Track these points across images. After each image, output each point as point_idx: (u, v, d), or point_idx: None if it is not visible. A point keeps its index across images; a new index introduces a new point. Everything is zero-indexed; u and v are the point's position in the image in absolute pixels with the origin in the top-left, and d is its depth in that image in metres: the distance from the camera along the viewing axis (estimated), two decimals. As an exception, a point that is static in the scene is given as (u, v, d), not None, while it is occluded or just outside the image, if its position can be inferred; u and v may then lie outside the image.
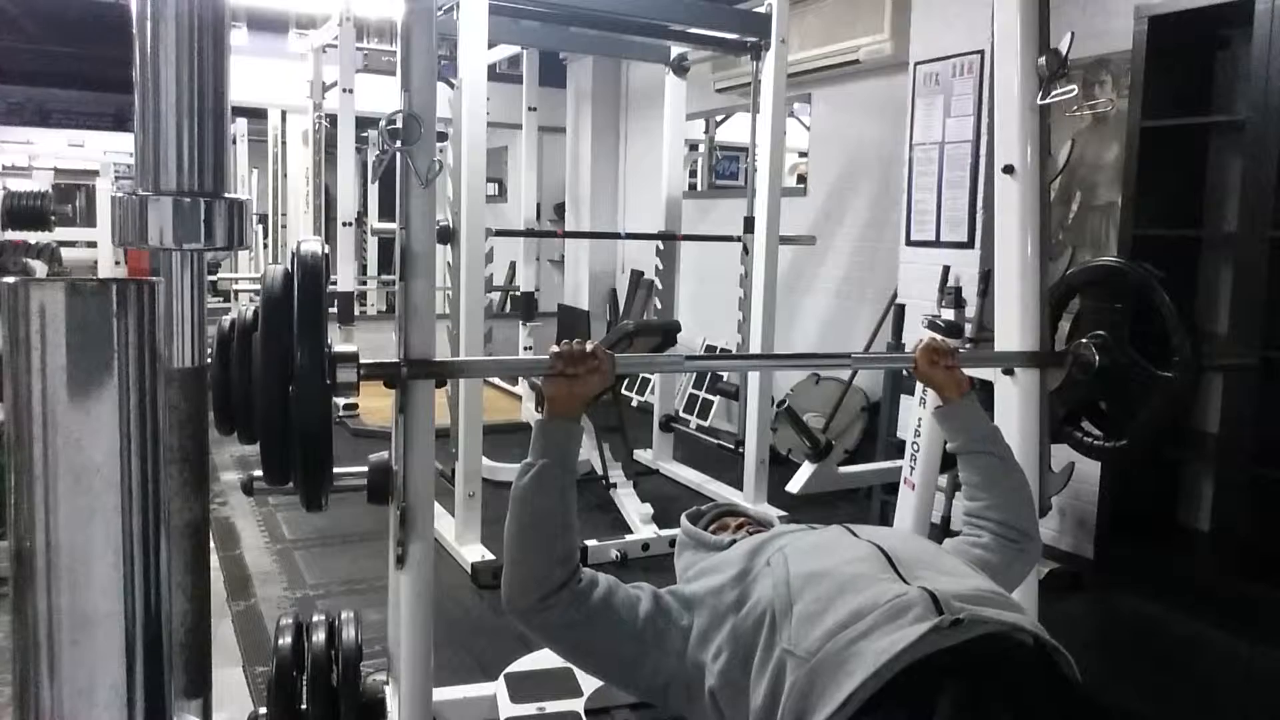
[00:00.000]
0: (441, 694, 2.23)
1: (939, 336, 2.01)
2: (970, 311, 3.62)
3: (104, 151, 9.92)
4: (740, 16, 4.24)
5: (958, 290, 3.55)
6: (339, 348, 1.59)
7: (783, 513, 3.77)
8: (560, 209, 7.77)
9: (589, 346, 1.66)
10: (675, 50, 4.67)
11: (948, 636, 1.27)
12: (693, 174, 6.80)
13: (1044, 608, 2.20)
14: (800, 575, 1.44)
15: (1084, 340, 2.23)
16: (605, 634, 1.54)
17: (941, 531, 3.45)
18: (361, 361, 1.63)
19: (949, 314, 3.29)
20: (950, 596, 1.33)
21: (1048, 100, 2.13)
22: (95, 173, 9.70)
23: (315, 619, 1.84)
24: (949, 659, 1.25)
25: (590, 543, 3.48)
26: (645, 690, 1.60)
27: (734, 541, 1.68)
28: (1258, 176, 2.96)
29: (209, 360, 1.53)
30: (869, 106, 4.92)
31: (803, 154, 5.64)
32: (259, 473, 1.58)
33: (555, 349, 1.65)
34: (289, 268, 1.52)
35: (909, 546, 1.54)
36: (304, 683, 1.75)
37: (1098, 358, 2.18)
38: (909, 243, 4.16)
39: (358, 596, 3.17)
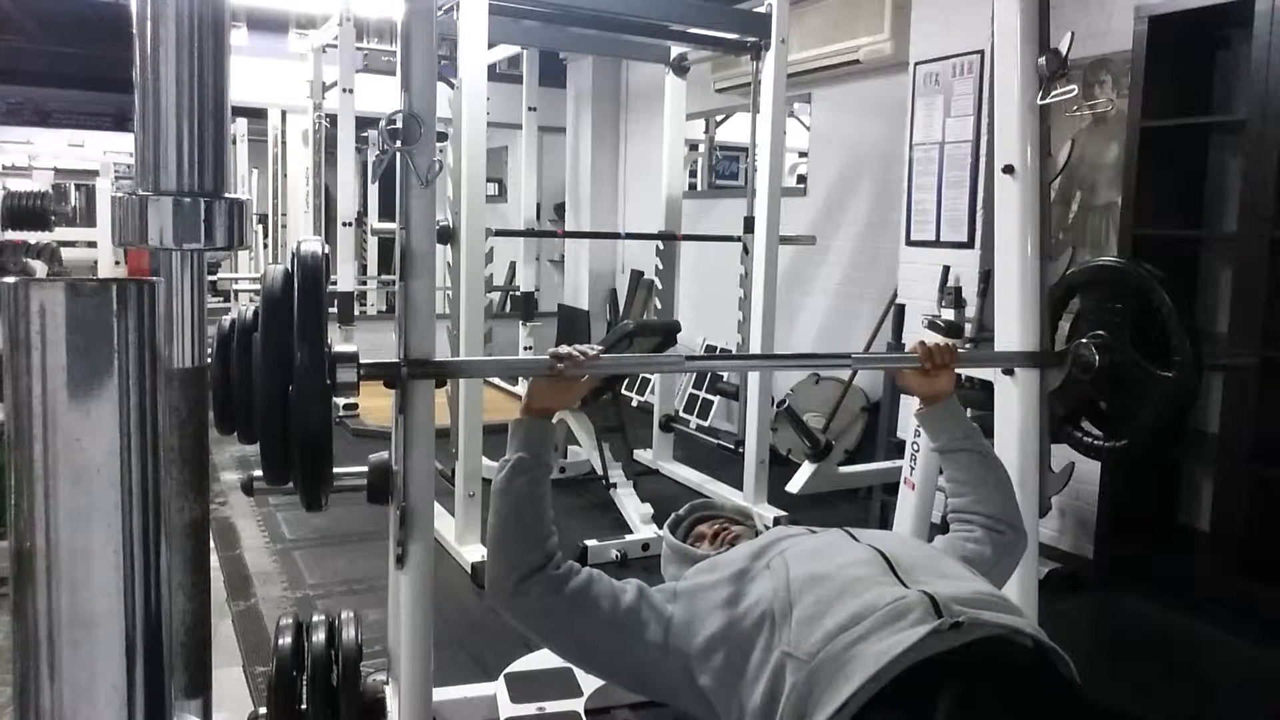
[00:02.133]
0: (441, 694, 2.22)
1: (940, 338, 2.01)
2: (970, 311, 3.62)
3: (104, 151, 9.93)
4: (740, 16, 4.24)
5: (958, 290, 3.55)
6: (339, 348, 1.59)
7: (783, 513, 3.78)
8: (560, 209, 7.77)
9: (590, 350, 1.69)
10: (675, 50, 4.67)
11: (947, 639, 1.27)
12: (693, 174, 6.81)
13: (1044, 608, 2.19)
14: (800, 578, 1.44)
15: (1084, 340, 2.23)
16: (585, 623, 1.55)
17: (941, 532, 3.45)
18: (361, 361, 1.64)
19: (949, 314, 3.29)
20: (949, 600, 1.33)
21: (1048, 100, 2.13)
22: (95, 173, 9.71)
23: (315, 619, 1.85)
24: (948, 662, 1.25)
25: (590, 543, 3.48)
26: (628, 681, 1.62)
27: (721, 552, 1.70)
28: (1258, 176, 2.96)
29: (209, 360, 1.53)
30: (869, 106, 4.92)
31: (803, 154, 5.64)
32: (259, 473, 1.58)
33: (552, 352, 1.69)
34: (289, 268, 1.52)
35: (909, 550, 1.54)
36: (304, 683, 1.75)
37: (1098, 358, 2.18)
38: (909, 243, 4.16)
39: (358, 596, 3.17)
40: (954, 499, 1.82)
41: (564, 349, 1.68)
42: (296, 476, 1.54)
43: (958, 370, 1.99)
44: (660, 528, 3.69)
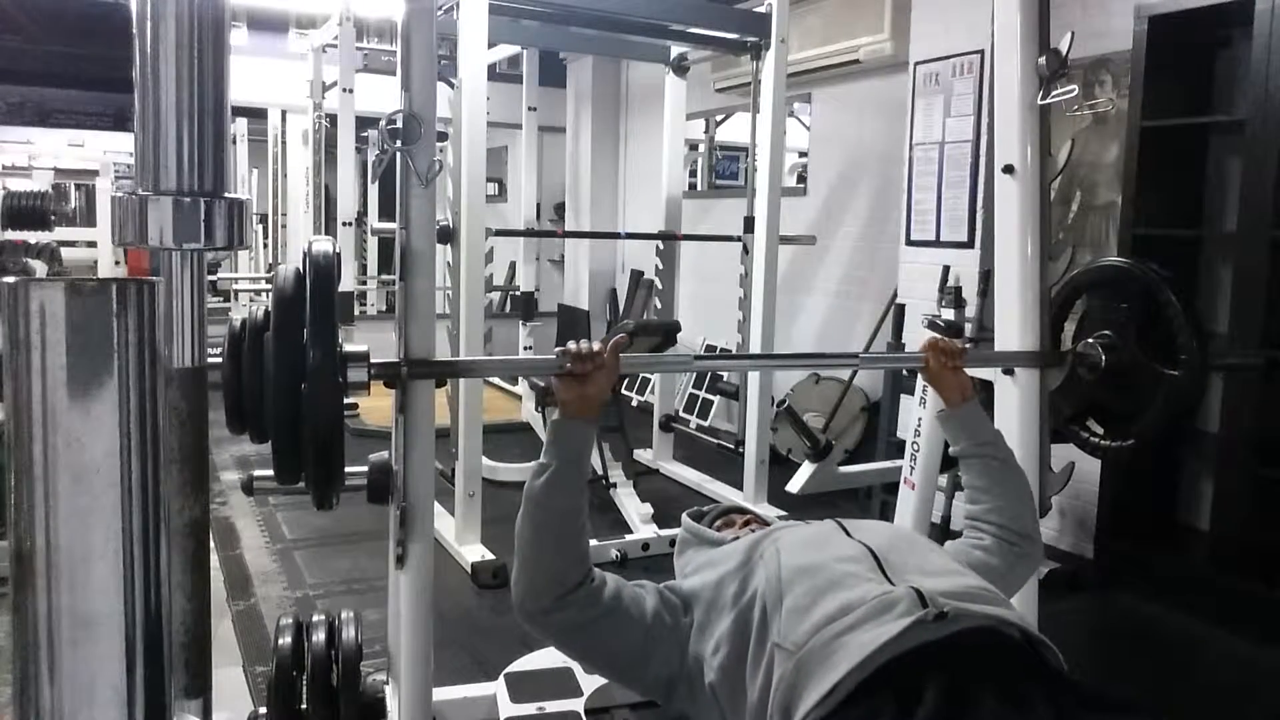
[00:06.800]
0: (441, 694, 2.23)
1: (943, 337, 2.01)
2: (970, 311, 3.61)
3: (104, 151, 9.90)
4: (740, 16, 4.24)
5: (958, 290, 3.54)
6: (349, 347, 1.59)
7: (783, 513, 3.77)
8: (560, 209, 7.77)
9: (595, 345, 1.66)
10: (675, 50, 4.67)
11: (932, 630, 1.28)
12: (693, 174, 6.80)
13: (1044, 607, 2.19)
14: (791, 569, 1.45)
15: (1089, 340, 2.22)
16: (615, 632, 1.54)
17: (941, 531, 3.45)
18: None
19: (949, 314, 3.28)
20: (936, 593, 1.34)
21: (1048, 100, 2.13)
22: (95, 173, 9.69)
23: (315, 619, 1.84)
24: (935, 652, 1.26)
25: (590, 543, 3.47)
26: (649, 687, 1.60)
27: (737, 538, 1.68)
28: (1258, 176, 2.96)
29: (217, 360, 1.53)
30: (869, 106, 4.92)
31: (803, 154, 5.64)
32: (259, 472, 1.58)
33: (561, 349, 1.66)
34: (301, 267, 1.52)
35: (898, 547, 1.53)
36: (304, 683, 1.75)
37: (1104, 357, 2.17)
38: (909, 243, 4.16)
39: (358, 596, 3.17)
40: (969, 505, 1.80)
41: (572, 346, 1.66)
42: (309, 475, 1.53)
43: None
44: (660, 528, 3.71)
